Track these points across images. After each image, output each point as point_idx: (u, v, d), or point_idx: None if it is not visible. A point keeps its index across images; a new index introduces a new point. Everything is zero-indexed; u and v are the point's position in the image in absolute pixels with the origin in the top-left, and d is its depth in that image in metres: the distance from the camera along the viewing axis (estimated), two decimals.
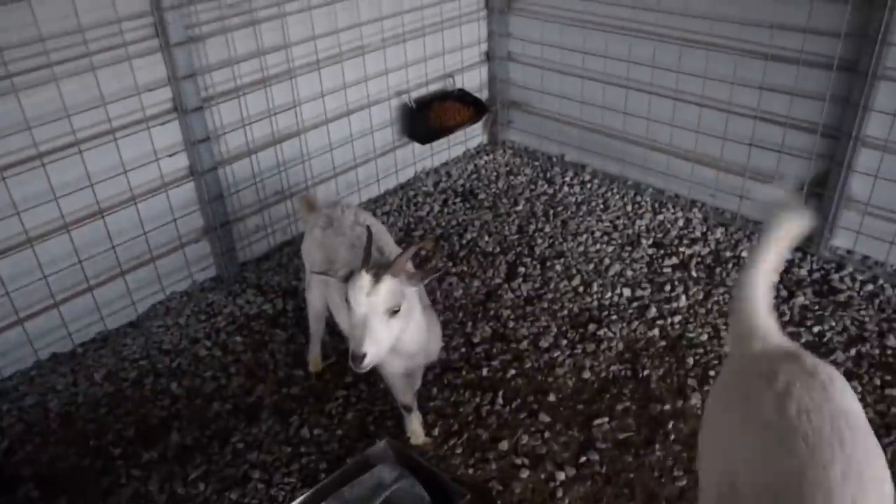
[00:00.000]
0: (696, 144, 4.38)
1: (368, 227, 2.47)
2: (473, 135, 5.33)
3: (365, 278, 2.23)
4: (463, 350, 3.57)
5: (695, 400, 3.22)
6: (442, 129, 4.73)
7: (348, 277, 2.28)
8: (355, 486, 2.31)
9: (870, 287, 3.82)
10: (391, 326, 2.30)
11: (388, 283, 2.25)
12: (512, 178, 5.04)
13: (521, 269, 4.09)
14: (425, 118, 4.68)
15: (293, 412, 3.31)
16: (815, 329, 3.56)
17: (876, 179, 3.77)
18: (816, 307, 3.70)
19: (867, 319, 3.61)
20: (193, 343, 3.72)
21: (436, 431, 3.16)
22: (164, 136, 3.67)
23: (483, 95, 5.21)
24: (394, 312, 2.29)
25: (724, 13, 3.99)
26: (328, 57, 4.16)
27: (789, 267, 3.98)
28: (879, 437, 2.98)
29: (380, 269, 2.26)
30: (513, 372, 3.43)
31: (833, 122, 3.81)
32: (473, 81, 5.10)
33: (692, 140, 4.38)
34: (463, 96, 4.89)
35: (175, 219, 3.82)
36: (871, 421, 3.03)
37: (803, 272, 3.94)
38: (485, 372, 3.44)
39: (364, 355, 2.23)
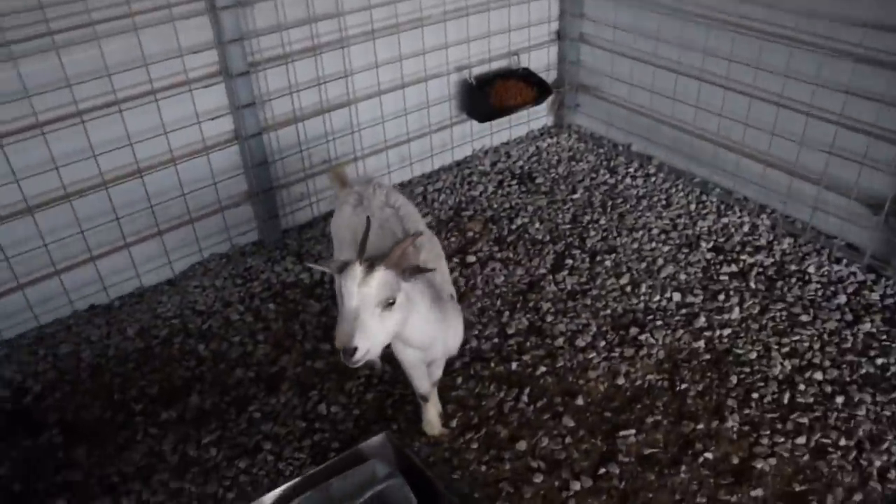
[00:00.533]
0: (771, 146, 4.07)
1: (368, 218, 2.34)
2: (538, 116, 5.13)
3: (357, 269, 2.11)
4: (496, 340, 3.44)
5: (731, 422, 3.00)
6: (502, 109, 4.55)
7: (343, 268, 2.17)
8: (346, 477, 2.23)
9: None
10: (384, 320, 2.17)
11: (381, 275, 2.13)
12: (574, 164, 4.82)
13: (569, 262, 3.90)
14: (486, 96, 4.51)
15: (314, 386, 3.25)
16: (879, 361, 3.27)
17: None
18: (884, 337, 3.39)
19: None
20: (226, 306, 3.71)
21: (454, 423, 3.05)
22: (209, 99, 3.64)
23: (550, 76, 5.00)
24: (388, 305, 2.17)
25: (814, 7, 3.65)
26: (384, 27, 4.03)
27: (859, 289, 3.67)
28: None
29: (374, 261, 2.15)
30: (543, 369, 3.28)
31: None
32: (540, 61, 4.89)
33: (766, 141, 4.07)
34: (527, 76, 4.68)
35: (215, 182, 3.80)
36: None
37: (875, 296, 3.62)
38: (514, 366, 3.30)
39: (354, 349, 2.11)
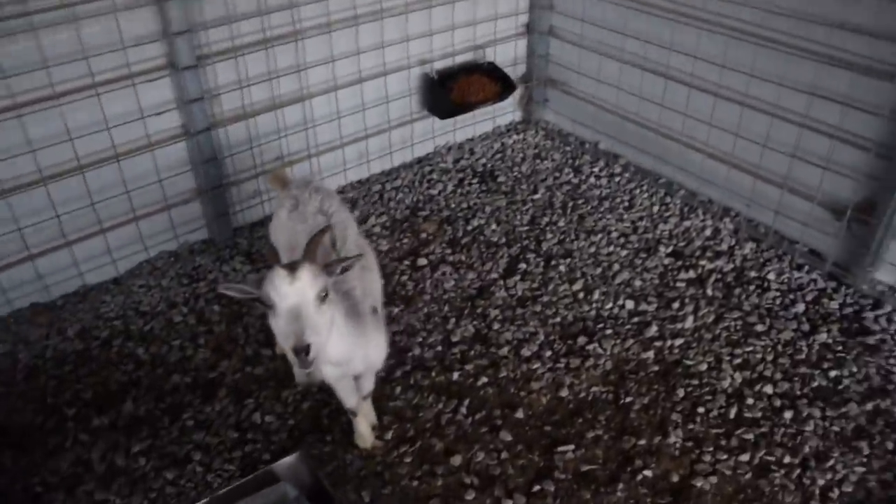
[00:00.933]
0: (735, 147, 3.95)
1: (272, 246, 2.26)
2: (505, 111, 5.00)
3: (279, 271, 2.04)
4: (439, 348, 3.35)
5: (674, 438, 2.92)
6: (464, 105, 4.42)
7: (262, 280, 2.08)
8: (255, 499, 2.16)
9: None
10: (324, 313, 2.10)
11: (307, 267, 2.06)
12: (538, 162, 4.70)
13: (523, 266, 3.80)
14: (447, 92, 4.38)
15: (251, 394, 3.17)
16: (832, 373, 3.18)
17: None
18: (840, 348, 3.30)
19: None
20: (171, 307, 3.62)
21: (389, 435, 2.97)
22: (156, 93, 3.53)
23: (518, 70, 4.87)
24: (323, 298, 2.09)
25: (780, 4, 3.52)
26: (342, 19, 3.90)
27: (819, 297, 3.57)
28: None
29: (293, 263, 2.08)
30: (485, 380, 3.19)
31: (890, 140, 3.35)
32: (507, 55, 4.75)
33: (731, 141, 3.95)
34: (492, 71, 4.55)
35: (161, 179, 3.70)
36: (870, 491, 2.71)
37: (834, 305, 3.53)
38: (456, 376, 3.21)
39: (308, 346, 2.01)
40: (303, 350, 2.00)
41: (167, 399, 3.16)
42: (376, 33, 4.09)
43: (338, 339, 2.28)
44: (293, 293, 2.03)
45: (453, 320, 3.48)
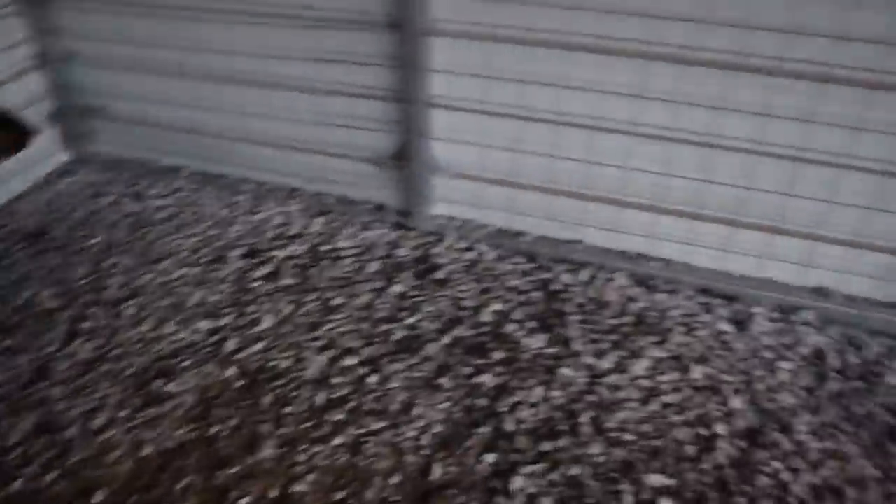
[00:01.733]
0: (276, 127, 3.87)
1: None
2: (49, 155, 4.44)
3: None
4: None
5: (266, 451, 2.77)
6: None
7: None
8: None
9: (470, 254, 3.58)
10: None
11: None
12: (96, 201, 4.25)
13: (86, 325, 3.39)
14: None
15: None
16: (410, 321, 3.25)
17: (453, 142, 3.48)
18: (415, 293, 3.38)
19: (465, 296, 3.36)
20: None
21: None
22: None
23: (45, 108, 4.33)
24: None
25: None
26: None
27: (391, 250, 3.63)
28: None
29: None
30: (55, 474, 2.78)
31: (396, 85, 3.43)
32: (21, 95, 4.18)
33: (270, 124, 3.87)
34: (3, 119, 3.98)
35: None
36: (456, 422, 2.77)
37: (404, 252, 3.61)
38: (19, 484, 2.76)
39: None
40: None
41: None
42: None
43: None
44: None
45: (8, 419, 3.01)
